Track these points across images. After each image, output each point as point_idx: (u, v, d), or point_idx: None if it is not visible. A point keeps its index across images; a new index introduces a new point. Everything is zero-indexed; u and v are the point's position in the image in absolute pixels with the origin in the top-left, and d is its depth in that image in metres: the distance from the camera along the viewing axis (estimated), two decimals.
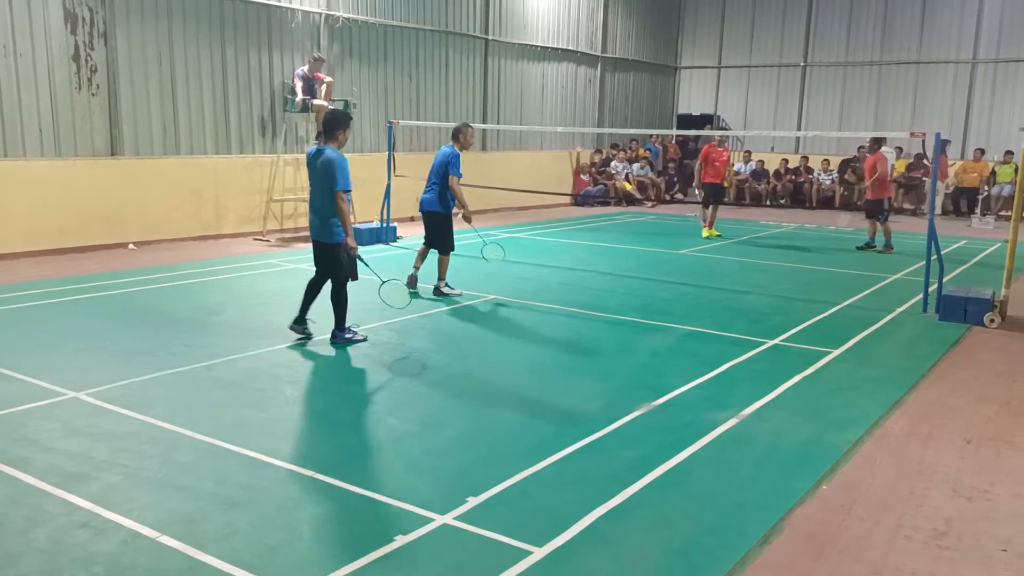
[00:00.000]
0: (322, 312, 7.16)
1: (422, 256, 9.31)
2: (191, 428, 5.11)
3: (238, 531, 3.88)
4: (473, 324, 8.13)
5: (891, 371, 6.79)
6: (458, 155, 8.93)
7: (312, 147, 7.10)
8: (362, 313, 8.23)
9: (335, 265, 6.97)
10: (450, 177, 8.85)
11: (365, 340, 7.14)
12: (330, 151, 6.84)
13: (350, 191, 6.89)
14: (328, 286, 7.07)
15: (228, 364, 6.47)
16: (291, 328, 7.15)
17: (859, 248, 13.53)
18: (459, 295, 9.03)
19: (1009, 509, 4.37)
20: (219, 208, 13.00)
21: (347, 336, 7.08)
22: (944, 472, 4.80)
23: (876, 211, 13.18)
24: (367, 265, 7.22)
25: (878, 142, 13.03)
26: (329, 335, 7.08)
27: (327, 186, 6.79)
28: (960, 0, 20.36)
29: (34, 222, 10.93)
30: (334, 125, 6.94)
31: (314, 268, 7.20)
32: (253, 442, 4.93)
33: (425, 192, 9.08)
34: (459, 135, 9.07)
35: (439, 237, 9.06)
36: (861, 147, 20.64)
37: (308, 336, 7.13)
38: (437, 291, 9.08)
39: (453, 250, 9.15)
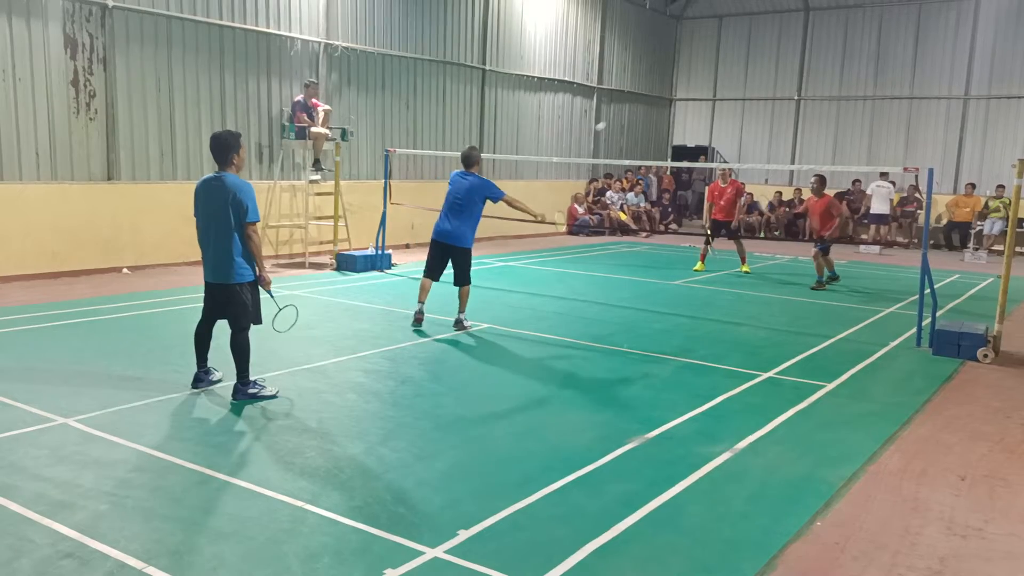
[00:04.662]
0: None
1: (428, 290, 8.82)
2: (180, 456, 5.07)
3: (226, 563, 3.83)
4: (466, 353, 8.10)
5: (885, 406, 6.78)
6: (489, 180, 8.80)
7: (208, 175, 6.19)
8: (355, 341, 8.22)
9: (237, 310, 6.17)
10: (504, 199, 8.72)
11: (275, 396, 6.27)
12: (232, 178, 6.04)
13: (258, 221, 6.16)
14: (217, 331, 6.25)
15: (219, 392, 6.43)
16: (194, 387, 6.42)
17: (823, 286, 12.76)
18: (471, 328, 8.81)
19: (1004, 548, 4.34)
20: None
21: (252, 391, 6.21)
22: (938, 510, 4.77)
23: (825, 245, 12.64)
24: (272, 297, 6.51)
25: (824, 182, 12.65)
26: (233, 386, 6.28)
27: (230, 218, 6.00)
28: (952, 37, 20.66)
29: (28, 246, 10.91)
30: (226, 149, 6.10)
31: (202, 315, 6.46)
32: (243, 472, 4.89)
33: (449, 224, 8.60)
34: (476, 160, 8.84)
35: (466, 271, 8.72)
36: (856, 180, 20.84)
37: (217, 381, 6.53)
38: (459, 325, 8.75)
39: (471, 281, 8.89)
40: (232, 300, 6.20)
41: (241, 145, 6.23)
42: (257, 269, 6.24)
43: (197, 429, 5.67)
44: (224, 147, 6.13)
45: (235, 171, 6.18)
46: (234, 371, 6.29)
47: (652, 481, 4.95)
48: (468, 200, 8.61)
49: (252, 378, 6.30)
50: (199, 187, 6.20)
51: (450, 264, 8.84)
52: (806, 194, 20.95)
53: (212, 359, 6.59)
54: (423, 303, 8.80)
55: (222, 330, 6.37)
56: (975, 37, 20.36)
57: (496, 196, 8.70)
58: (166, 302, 9.84)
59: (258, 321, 6.33)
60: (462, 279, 8.78)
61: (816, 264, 12.86)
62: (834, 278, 12.98)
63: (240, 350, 6.21)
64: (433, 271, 8.81)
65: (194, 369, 6.57)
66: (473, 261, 9.23)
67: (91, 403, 5.97)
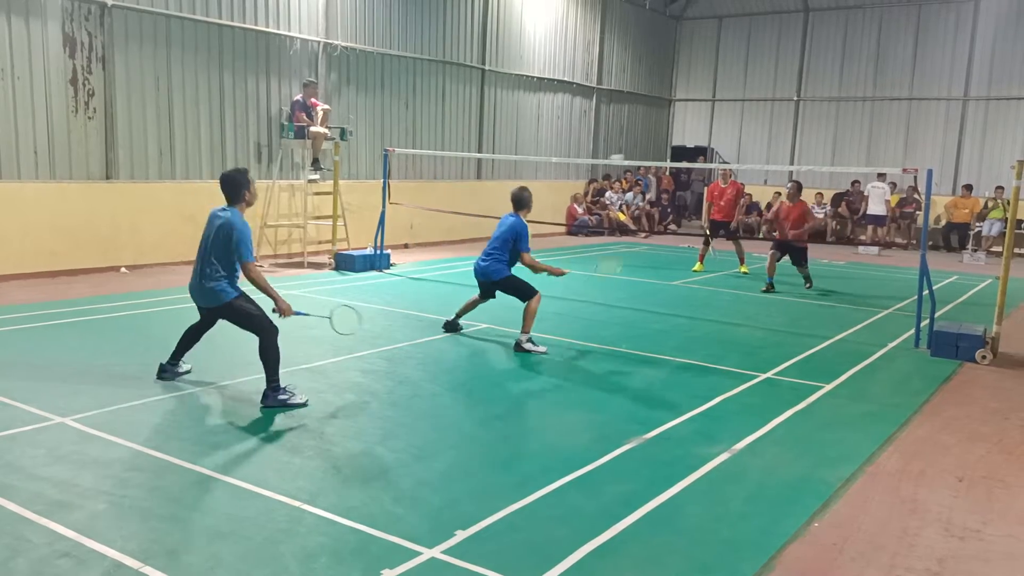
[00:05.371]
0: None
1: (468, 303, 8.78)
2: (178, 456, 5.06)
3: (223, 563, 3.83)
4: (465, 353, 8.10)
5: (883, 407, 6.78)
6: (527, 227, 8.42)
7: (219, 207, 6.33)
8: (353, 341, 8.19)
9: (248, 322, 6.24)
10: (524, 255, 8.35)
11: (305, 405, 6.09)
12: (235, 216, 6.17)
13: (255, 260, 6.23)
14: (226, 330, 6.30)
15: (217, 391, 6.43)
16: (159, 377, 6.55)
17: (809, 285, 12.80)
18: (544, 352, 8.08)
19: (1002, 549, 4.34)
20: None
21: (282, 397, 6.07)
22: (936, 511, 4.77)
23: (804, 258, 12.69)
24: (306, 314, 6.59)
25: (800, 189, 12.62)
26: (263, 392, 6.16)
27: (221, 250, 6.15)
28: (952, 38, 20.67)
29: (26, 245, 10.90)
30: (236, 186, 6.23)
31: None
32: (241, 471, 4.88)
33: (484, 262, 8.45)
34: (527, 203, 8.54)
35: (520, 290, 8.40)
36: (855, 181, 20.83)
37: (184, 372, 6.62)
38: (517, 346, 8.12)
39: (537, 291, 8.34)
40: (234, 316, 6.28)
41: (251, 181, 6.34)
42: (273, 301, 6.20)
43: (195, 428, 5.66)
44: (235, 185, 6.26)
45: (244, 208, 6.30)
46: (221, 372, 6.28)
47: (650, 481, 4.95)
48: (504, 239, 8.42)
49: (283, 385, 6.18)
50: (210, 215, 6.36)
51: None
52: (805, 196, 21.05)
53: (206, 363, 6.57)
54: (457, 314, 8.81)
55: (217, 335, 6.36)
56: (974, 39, 20.37)
57: (522, 247, 8.41)
58: (164, 301, 9.82)
59: (272, 324, 6.25)
60: (522, 298, 8.42)
61: (769, 264, 12.58)
62: (803, 282, 12.77)
63: (268, 354, 6.12)
64: (482, 295, 8.73)
65: (192, 371, 6.60)
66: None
67: (89, 402, 5.96)
